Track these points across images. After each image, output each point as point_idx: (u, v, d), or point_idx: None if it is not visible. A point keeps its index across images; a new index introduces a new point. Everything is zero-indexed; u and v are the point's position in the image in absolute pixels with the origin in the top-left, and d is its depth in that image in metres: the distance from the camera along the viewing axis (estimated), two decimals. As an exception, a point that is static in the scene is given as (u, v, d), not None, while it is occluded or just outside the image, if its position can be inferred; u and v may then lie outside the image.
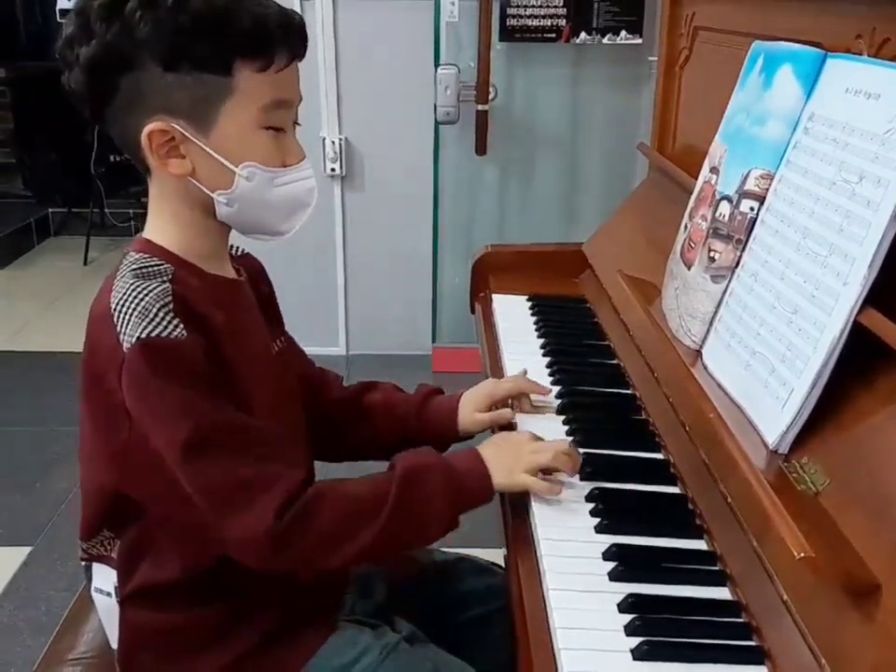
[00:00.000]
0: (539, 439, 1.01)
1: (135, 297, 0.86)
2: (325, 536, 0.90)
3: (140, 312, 0.85)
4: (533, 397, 1.18)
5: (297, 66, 0.92)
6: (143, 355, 0.84)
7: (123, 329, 0.85)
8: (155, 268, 0.90)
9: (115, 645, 1.01)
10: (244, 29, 0.86)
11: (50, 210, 4.69)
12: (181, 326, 0.85)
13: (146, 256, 0.92)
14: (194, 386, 0.86)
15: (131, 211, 4.44)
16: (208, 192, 0.91)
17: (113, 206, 4.44)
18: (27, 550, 2.18)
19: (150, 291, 0.86)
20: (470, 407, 1.15)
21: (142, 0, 0.85)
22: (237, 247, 1.08)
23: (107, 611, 1.01)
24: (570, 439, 1.08)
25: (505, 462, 0.96)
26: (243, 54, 0.87)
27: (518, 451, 0.98)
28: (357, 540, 0.90)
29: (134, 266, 0.90)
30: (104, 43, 0.85)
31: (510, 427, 1.13)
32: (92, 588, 1.02)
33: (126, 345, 0.85)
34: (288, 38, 0.89)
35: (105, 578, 1.00)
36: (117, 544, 0.98)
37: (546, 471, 0.98)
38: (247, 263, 1.07)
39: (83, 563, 1.02)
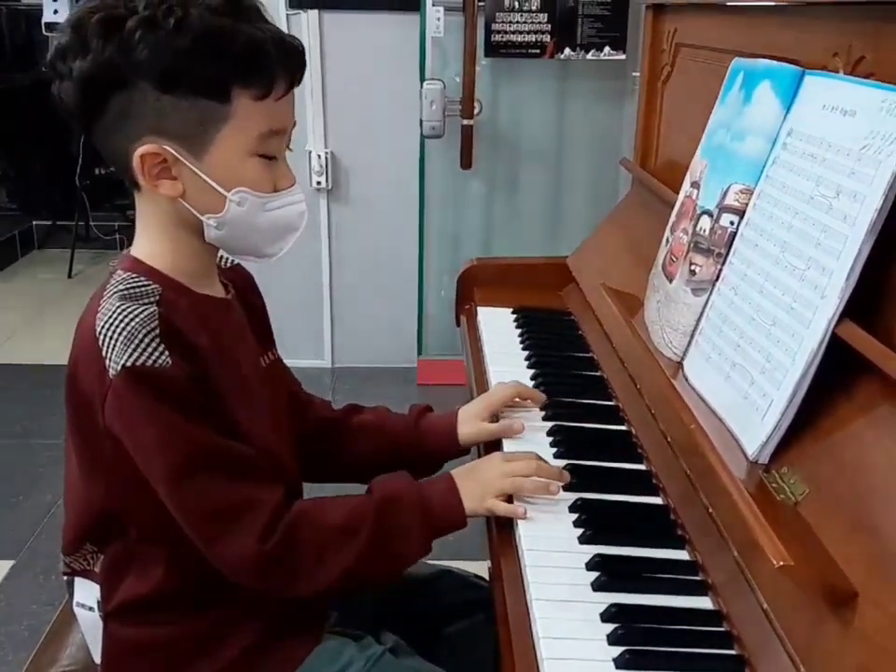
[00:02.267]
0: (511, 460, 1.01)
1: (121, 321, 0.86)
2: (305, 561, 0.91)
3: (126, 338, 0.85)
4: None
5: (293, 93, 0.92)
6: (128, 383, 0.85)
7: (109, 355, 0.85)
8: (142, 288, 0.90)
9: (98, 660, 1.01)
10: (243, 55, 0.85)
11: (35, 222, 4.67)
12: (166, 353, 0.85)
13: (133, 275, 0.91)
14: (179, 414, 0.86)
15: (116, 224, 4.41)
16: (198, 215, 0.91)
17: (98, 219, 4.42)
18: (9, 564, 2.16)
19: (136, 316, 0.86)
20: (471, 416, 1.15)
21: (142, 20, 0.83)
22: (227, 258, 1.08)
23: (90, 626, 1.00)
24: (551, 459, 1.08)
25: (476, 488, 0.97)
26: (241, 81, 0.86)
27: (489, 477, 0.99)
28: (334, 566, 0.92)
29: (121, 287, 0.90)
30: (99, 60, 0.84)
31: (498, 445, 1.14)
32: (74, 603, 1.01)
33: (111, 372, 0.85)
34: (287, 65, 0.89)
35: (87, 592, 0.99)
36: (100, 559, 0.97)
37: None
38: (237, 276, 1.07)
39: (65, 577, 1.02)
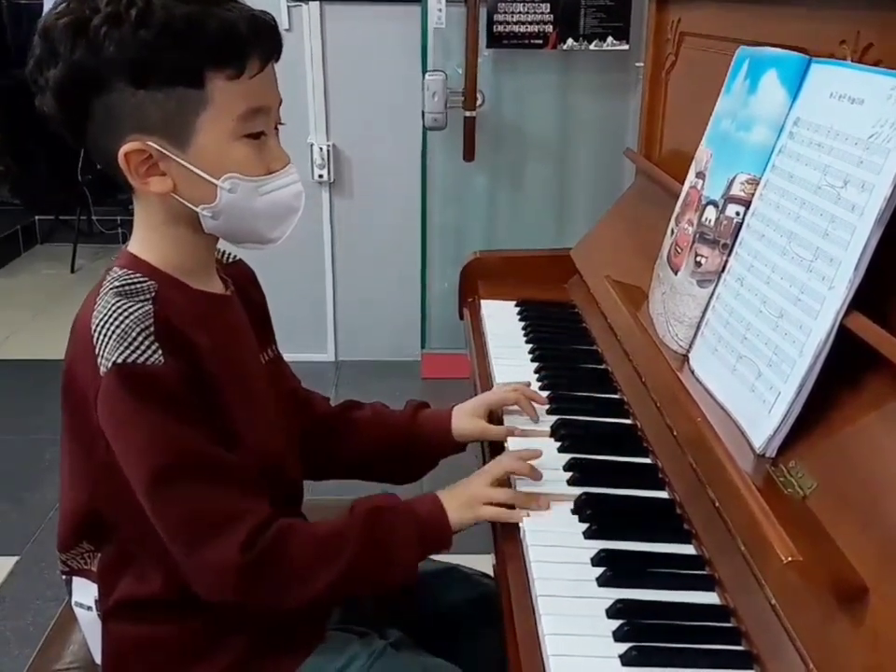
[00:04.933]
0: (489, 472, 1.01)
1: (116, 318, 0.85)
2: (289, 574, 0.89)
3: (119, 335, 0.84)
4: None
5: (273, 69, 0.90)
6: (118, 380, 0.83)
7: (101, 352, 0.84)
8: (138, 285, 0.89)
9: (98, 659, 1.00)
10: (211, 37, 0.84)
11: (38, 217, 4.67)
12: (160, 351, 0.84)
13: (129, 272, 0.90)
14: (167, 416, 0.85)
15: (118, 218, 4.41)
16: (192, 207, 0.90)
17: (100, 213, 4.41)
18: (14, 559, 2.16)
19: (131, 313, 0.85)
20: (468, 413, 1.15)
21: (106, 17, 0.82)
22: (228, 254, 1.07)
23: (89, 625, 1.00)
24: (555, 453, 1.07)
25: (461, 499, 0.97)
26: (212, 63, 0.85)
27: (474, 488, 0.98)
28: (320, 580, 0.90)
29: (117, 283, 0.89)
30: (70, 64, 0.83)
31: (501, 447, 1.13)
32: (73, 602, 1.01)
33: (103, 369, 0.84)
34: (259, 42, 0.87)
35: (84, 592, 0.99)
36: (97, 557, 0.97)
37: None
38: (238, 272, 1.06)
39: (63, 576, 1.01)
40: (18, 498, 2.39)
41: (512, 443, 1.11)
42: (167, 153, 0.87)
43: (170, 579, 0.92)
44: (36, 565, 2.13)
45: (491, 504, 0.96)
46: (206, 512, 0.87)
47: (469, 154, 2.90)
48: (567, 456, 1.06)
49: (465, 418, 1.14)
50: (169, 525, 0.87)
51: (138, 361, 0.84)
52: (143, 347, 0.84)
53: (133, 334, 0.84)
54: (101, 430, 0.86)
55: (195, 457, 0.87)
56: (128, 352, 0.83)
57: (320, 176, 3.02)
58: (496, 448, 1.13)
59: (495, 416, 1.17)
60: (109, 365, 0.84)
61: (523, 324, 1.49)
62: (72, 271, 4.24)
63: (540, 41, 2.84)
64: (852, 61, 0.94)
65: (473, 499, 0.96)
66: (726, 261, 1.04)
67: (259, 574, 0.87)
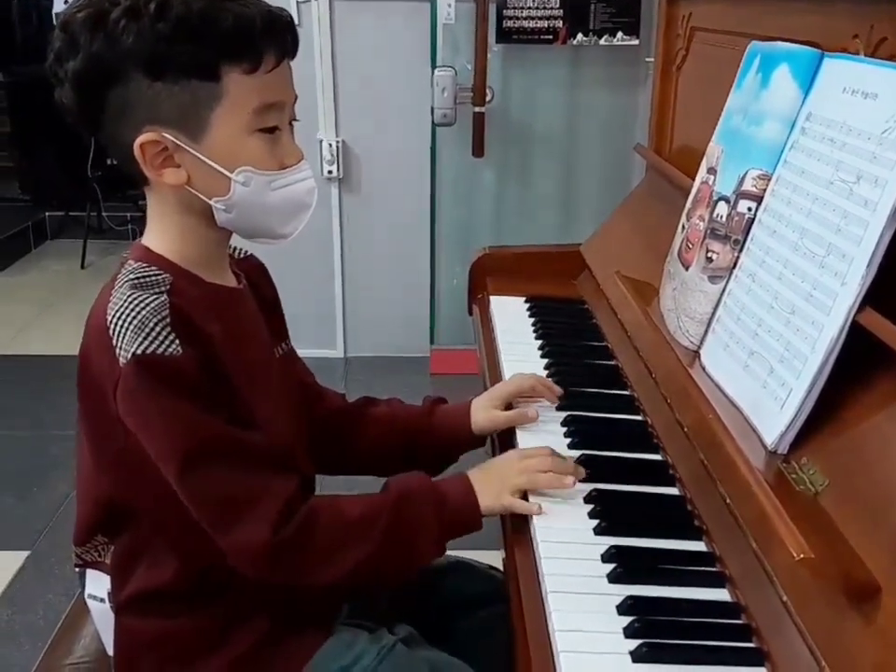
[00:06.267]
0: (527, 456, 1.01)
1: (132, 310, 0.86)
2: (319, 552, 0.91)
3: (136, 326, 0.85)
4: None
5: (288, 65, 0.91)
6: (138, 371, 0.84)
7: (119, 343, 0.85)
8: (153, 278, 0.90)
9: (111, 651, 1.01)
10: (227, 32, 0.85)
11: (47, 214, 4.69)
12: (177, 341, 0.85)
13: (144, 265, 0.91)
14: (189, 402, 0.86)
15: (128, 214, 4.43)
16: (206, 199, 0.90)
17: (110, 210, 4.44)
18: (25, 554, 2.17)
19: (147, 305, 0.86)
20: (485, 405, 1.15)
21: (124, 10, 0.84)
22: (240, 249, 1.08)
23: (102, 617, 1.00)
24: (565, 449, 1.07)
25: (492, 486, 0.97)
26: (228, 57, 0.86)
27: (505, 473, 0.98)
28: (348, 559, 0.91)
29: (132, 276, 0.89)
30: (89, 56, 0.85)
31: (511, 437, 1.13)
32: (86, 594, 1.01)
33: (122, 360, 0.85)
34: (275, 38, 0.88)
35: (98, 584, 0.99)
36: (110, 550, 0.97)
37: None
38: (250, 266, 1.07)
39: (76, 569, 1.02)
40: (27, 494, 2.40)
41: (522, 436, 1.11)
42: (182, 145, 0.88)
43: (183, 567, 0.93)
44: (47, 560, 2.14)
45: (521, 492, 0.97)
46: (236, 493, 0.88)
47: (478, 150, 2.90)
48: (576, 453, 1.06)
49: (483, 412, 1.14)
50: (202, 508, 0.88)
51: (157, 352, 0.84)
52: (161, 338, 0.85)
53: (151, 325, 0.85)
54: (118, 419, 0.87)
55: (221, 441, 0.88)
56: (146, 342, 0.84)
57: (329, 172, 3.02)
58: (504, 437, 1.13)
59: (509, 407, 1.17)
60: (128, 356, 0.84)
61: (532, 320, 1.48)
62: (82, 267, 4.25)
63: (550, 36, 2.83)
64: (865, 55, 0.93)
65: (504, 487, 0.96)
66: (738, 257, 1.04)
67: (288, 552, 0.89)
